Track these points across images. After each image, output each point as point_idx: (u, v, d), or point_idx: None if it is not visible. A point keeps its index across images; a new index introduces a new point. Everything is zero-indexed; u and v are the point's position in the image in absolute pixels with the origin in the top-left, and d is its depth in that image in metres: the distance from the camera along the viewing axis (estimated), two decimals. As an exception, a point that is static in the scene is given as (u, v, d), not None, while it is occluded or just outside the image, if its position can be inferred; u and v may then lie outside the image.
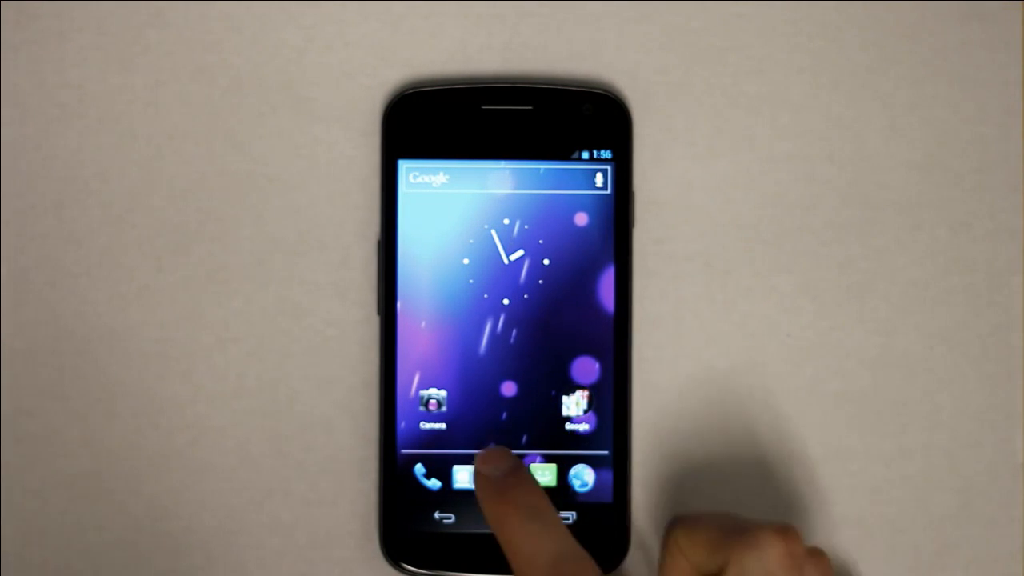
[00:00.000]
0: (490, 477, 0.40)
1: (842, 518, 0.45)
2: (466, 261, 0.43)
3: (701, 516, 0.41)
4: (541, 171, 0.43)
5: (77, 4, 0.45)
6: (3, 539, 0.44)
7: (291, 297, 0.45)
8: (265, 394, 0.44)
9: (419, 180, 0.43)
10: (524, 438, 0.43)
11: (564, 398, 0.43)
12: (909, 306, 0.45)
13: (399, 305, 0.43)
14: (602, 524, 0.43)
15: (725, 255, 0.45)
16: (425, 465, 0.43)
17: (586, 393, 0.43)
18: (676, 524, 0.40)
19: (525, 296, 0.43)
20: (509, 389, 0.43)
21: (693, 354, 0.45)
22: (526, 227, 0.43)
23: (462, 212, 0.43)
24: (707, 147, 0.45)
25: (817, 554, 0.40)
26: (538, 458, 0.43)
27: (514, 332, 0.43)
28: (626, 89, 0.45)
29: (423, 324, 0.43)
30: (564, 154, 0.44)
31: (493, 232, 0.43)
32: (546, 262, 0.43)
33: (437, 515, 0.43)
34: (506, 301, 0.43)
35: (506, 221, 0.43)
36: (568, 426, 0.43)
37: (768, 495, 0.45)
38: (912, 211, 0.45)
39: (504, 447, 0.42)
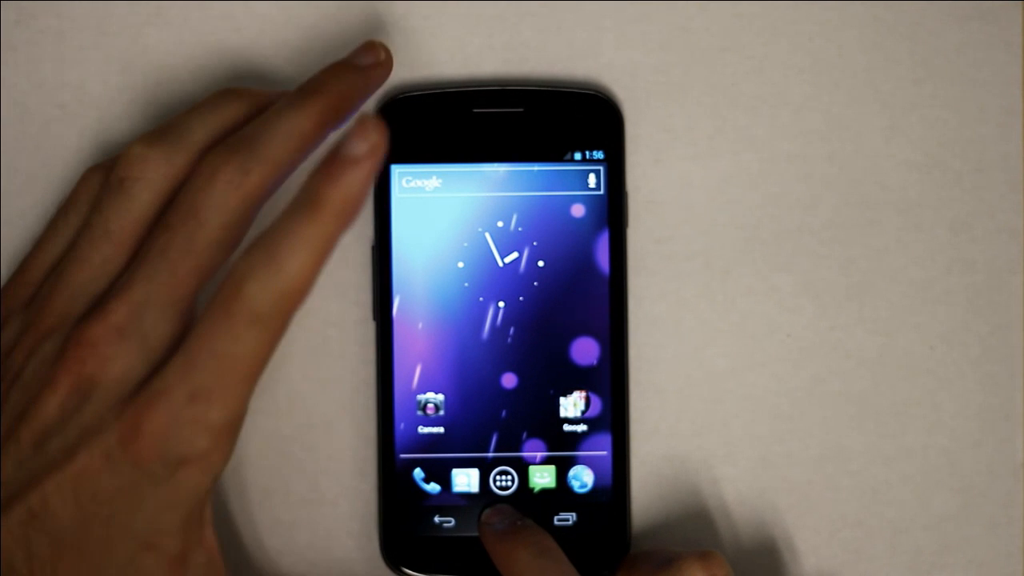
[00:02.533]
0: (497, 526, 0.42)
1: (842, 518, 0.45)
2: (461, 264, 0.43)
3: (638, 556, 0.42)
4: (534, 173, 0.43)
5: (77, 4, 0.45)
6: (3, 539, 0.44)
7: (291, 297, 0.45)
8: (265, 394, 0.44)
9: (412, 185, 0.43)
10: (522, 439, 0.43)
11: (562, 399, 0.43)
12: (909, 306, 0.45)
13: (395, 310, 0.43)
14: (602, 525, 0.43)
15: (725, 255, 0.45)
16: (424, 469, 0.43)
17: (584, 394, 0.43)
18: (615, 572, 0.43)
19: (520, 298, 0.43)
20: (506, 391, 0.43)
21: (693, 354, 0.45)
22: (520, 229, 0.43)
23: (456, 216, 0.43)
24: (707, 147, 0.45)
25: None
26: (537, 459, 0.43)
27: (510, 335, 0.43)
28: (625, 89, 0.45)
29: (419, 329, 0.43)
30: (556, 155, 0.44)
31: (487, 235, 0.43)
32: (541, 264, 0.43)
33: (437, 519, 0.43)
34: (502, 304, 0.43)
35: (500, 224, 0.43)
36: (566, 427, 0.43)
37: (768, 495, 0.45)
38: (912, 211, 0.45)
39: (509, 505, 0.43)
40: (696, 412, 0.45)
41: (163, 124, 0.40)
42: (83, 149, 0.45)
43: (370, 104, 0.45)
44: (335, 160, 0.35)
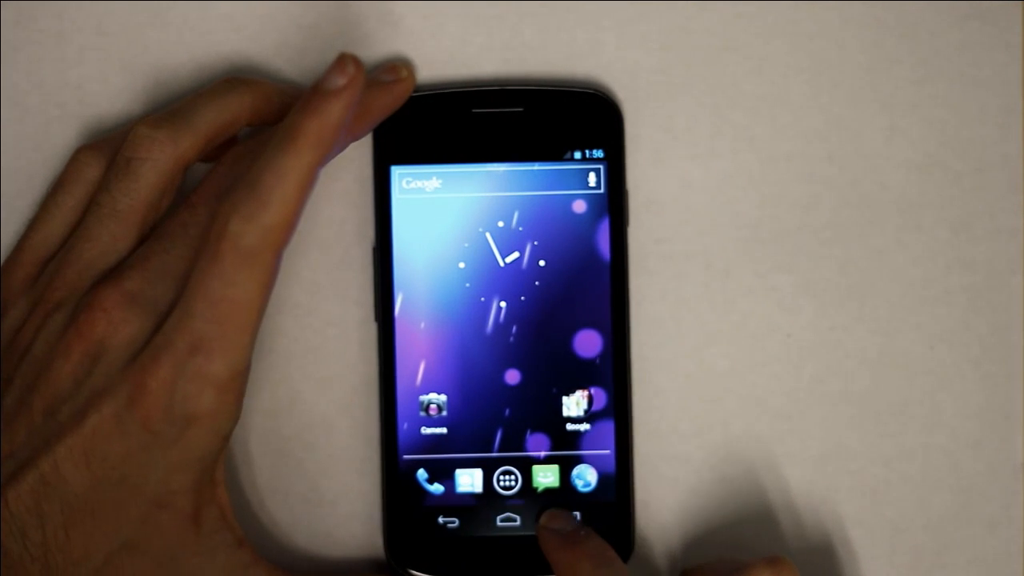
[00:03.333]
0: (558, 531, 0.42)
1: (842, 518, 0.45)
2: (462, 265, 0.43)
3: (704, 567, 0.42)
4: (534, 172, 0.43)
5: (77, 4, 0.45)
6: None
7: (291, 297, 0.45)
8: (265, 394, 0.44)
9: (412, 186, 0.43)
10: (525, 438, 0.43)
11: (565, 398, 0.43)
12: (909, 306, 0.45)
13: (396, 311, 0.43)
14: (606, 524, 0.43)
15: (725, 255, 0.45)
16: (427, 470, 0.43)
17: (586, 393, 0.43)
18: None
19: (522, 298, 0.43)
20: (509, 391, 0.43)
21: (693, 354, 0.45)
22: (520, 229, 0.43)
23: (456, 216, 0.43)
24: (707, 147, 0.45)
25: None
26: (541, 457, 0.43)
27: (512, 334, 0.43)
28: (625, 89, 0.45)
29: (421, 329, 0.43)
30: (556, 155, 0.44)
31: (488, 235, 0.43)
32: (542, 263, 0.43)
33: (441, 520, 0.43)
34: (503, 304, 0.43)
35: (500, 223, 0.43)
36: (569, 426, 0.43)
37: (769, 495, 0.45)
38: (912, 211, 0.45)
39: (567, 509, 0.43)
40: (696, 412, 0.45)
41: (169, 108, 0.40)
42: (83, 149, 0.45)
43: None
44: (315, 93, 0.37)
